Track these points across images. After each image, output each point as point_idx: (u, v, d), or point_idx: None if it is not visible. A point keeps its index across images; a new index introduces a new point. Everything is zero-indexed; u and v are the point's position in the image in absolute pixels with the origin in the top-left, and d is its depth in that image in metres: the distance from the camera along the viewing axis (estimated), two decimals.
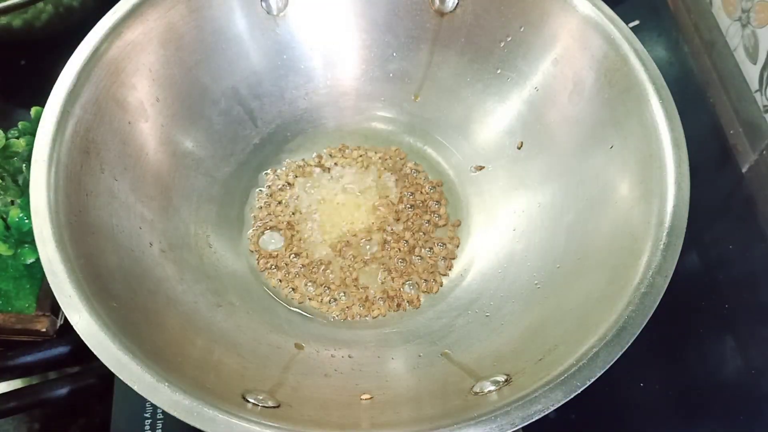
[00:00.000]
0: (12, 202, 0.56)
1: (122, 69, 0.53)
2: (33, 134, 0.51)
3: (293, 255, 0.60)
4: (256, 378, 0.47)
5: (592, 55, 0.54)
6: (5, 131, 0.58)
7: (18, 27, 0.67)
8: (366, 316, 0.57)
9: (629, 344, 0.41)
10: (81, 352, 0.56)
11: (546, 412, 0.39)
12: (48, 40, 0.67)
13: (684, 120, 0.49)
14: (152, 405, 0.52)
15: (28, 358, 0.57)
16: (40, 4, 0.66)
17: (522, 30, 0.59)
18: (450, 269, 0.60)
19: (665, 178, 0.47)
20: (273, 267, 0.59)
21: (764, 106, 0.59)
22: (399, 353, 0.53)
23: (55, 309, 0.57)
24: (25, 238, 0.54)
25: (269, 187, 0.63)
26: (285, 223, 0.61)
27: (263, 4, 0.59)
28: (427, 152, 0.66)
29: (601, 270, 0.49)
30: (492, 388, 0.44)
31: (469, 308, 0.56)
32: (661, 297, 0.43)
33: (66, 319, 0.42)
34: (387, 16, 0.62)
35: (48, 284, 0.43)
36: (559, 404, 0.39)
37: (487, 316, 0.54)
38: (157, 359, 0.42)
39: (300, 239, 0.61)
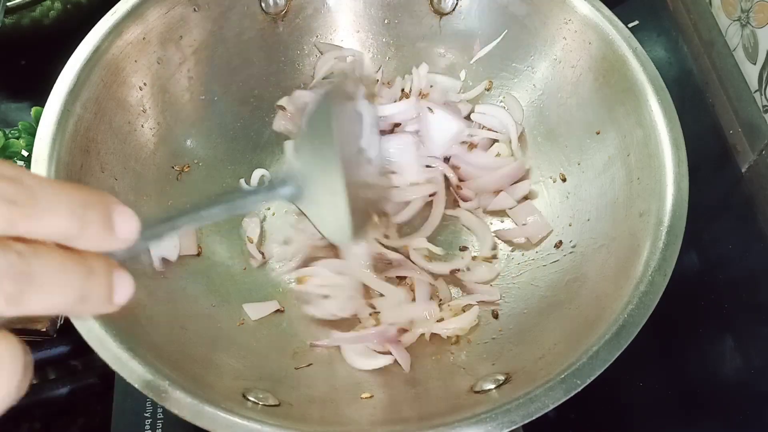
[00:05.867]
0: None
1: (122, 69, 0.53)
2: (33, 134, 0.51)
3: None
4: (257, 376, 0.47)
5: (591, 56, 0.55)
6: (5, 131, 0.58)
7: (26, 25, 0.67)
8: None
9: (629, 343, 0.41)
10: (81, 352, 0.56)
11: (546, 410, 0.39)
12: (56, 37, 0.67)
13: (683, 120, 0.49)
14: (152, 404, 0.52)
15: None
16: (48, 2, 0.66)
17: (521, 31, 0.59)
18: None
19: (664, 178, 0.47)
20: None
21: (764, 106, 0.59)
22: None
23: None
24: None
25: None
26: None
27: (263, 4, 0.60)
28: None
29: (600, 269, 0.49)
30: (492, 386, 0.44)
31: None
32: (660, 296, 0.43)
33: (66, 319, 0.42)
34: (386, 17, 0.62)
35: None
36: (559, 402, 0.39)
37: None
38: (157, 357, 0.42)
39: None
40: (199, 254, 0.55)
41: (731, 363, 0.56)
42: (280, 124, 0.63)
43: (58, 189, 0.23)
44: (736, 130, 0.62)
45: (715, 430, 0.55)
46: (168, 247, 0.52)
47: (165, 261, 0.52)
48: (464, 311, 0.53)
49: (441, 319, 0.52)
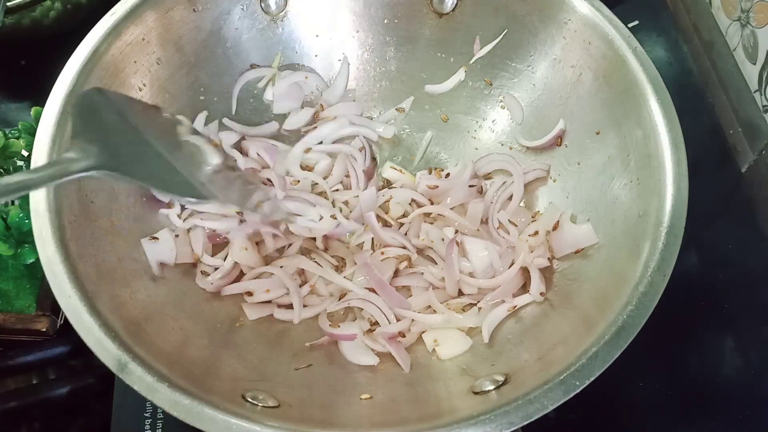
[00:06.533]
0: (12, 202, 0.56)
1: (122, 69, 0.53)
2: (33, 134, 0.51)
3: None
4: (256, 377, 0.47)
5: (591, 56, 0.55)
6: (5, 131, 0.58)
7: (26, 25, 0.67)
8: None
9: (628, 343, 0.41)
10: (81, 352, 0.56)
11: (545, 411, 0.39)
12: (55, 37, 0.67)
13: (683, 120, 0.49)
14: (152, 405, 0.52)
15: (28, 358, 0.57)
16: (48, 2, 0.66)
17: (521, 30, 0.59)
18: None
19: (664, 178, 0.47)
20: None
21: (763, 106, 0.59)
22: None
23: (55, 309, 0.57)
24: (25, 238, 0.54)
25: None
26: None
27: (263, 4, 0.60)
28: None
29: (600, 269, 0.49)
30: (491, 387, 0.44)
31: None
32: (660, 296, 0.43)
33: (66, 319, 0.43)
34: (386, 17, 0.62)
35: (48, 284, 0.43)
36: (559, 403, 0.39)
37: None
38: (157, 359, 0.42)
39: None
40: (195, 265, 0.55)
41: (731, 363, 0.56)
42: (279, 107, 0.64)
43: None
44: (736, 130, 0.62)
45: (715, 430, 0.55)
46: (164, 251, 0.52)
47: (163, 265, 0.52)
48: (464, 311, 0.54)
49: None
